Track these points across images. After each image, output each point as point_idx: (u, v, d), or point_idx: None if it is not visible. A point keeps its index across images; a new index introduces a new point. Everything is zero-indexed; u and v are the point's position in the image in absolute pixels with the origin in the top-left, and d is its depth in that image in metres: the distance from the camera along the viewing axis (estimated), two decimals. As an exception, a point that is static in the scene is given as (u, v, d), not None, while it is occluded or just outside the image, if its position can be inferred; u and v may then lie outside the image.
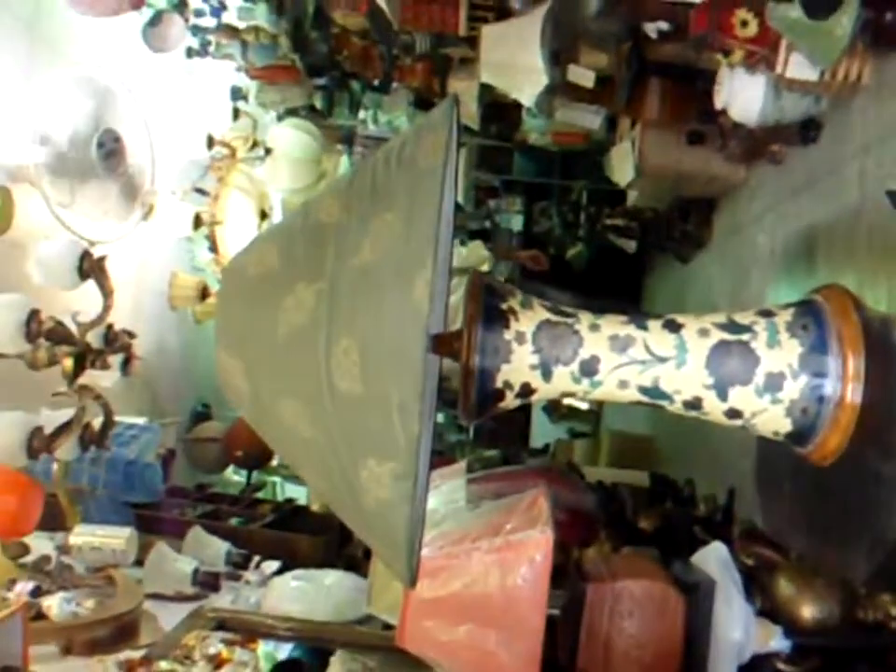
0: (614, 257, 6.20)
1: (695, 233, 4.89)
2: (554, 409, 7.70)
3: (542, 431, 8.03)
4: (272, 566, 2.95)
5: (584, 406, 7.62)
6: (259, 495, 5.09)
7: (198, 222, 4.55)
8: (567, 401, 7.42)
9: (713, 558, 1.92)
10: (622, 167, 4.52)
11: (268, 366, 0.92)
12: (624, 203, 5.79)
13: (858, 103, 3.08)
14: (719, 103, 3.31)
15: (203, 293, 4.65)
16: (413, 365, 0.80)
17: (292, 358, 0.89)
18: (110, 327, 3.25)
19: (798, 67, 2.88)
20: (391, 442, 0.82)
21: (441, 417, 7.63)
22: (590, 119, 4.75)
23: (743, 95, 3.21)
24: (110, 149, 3.53)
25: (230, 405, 1.02)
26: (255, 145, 5.13)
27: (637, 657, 1.76)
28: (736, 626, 1.77)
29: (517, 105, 4.87)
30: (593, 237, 5.93)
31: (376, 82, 5.21)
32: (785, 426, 1.00)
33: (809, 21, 2.61)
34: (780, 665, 1.89)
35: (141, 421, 3.61)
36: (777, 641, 1.83)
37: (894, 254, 0.94)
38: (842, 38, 2.56)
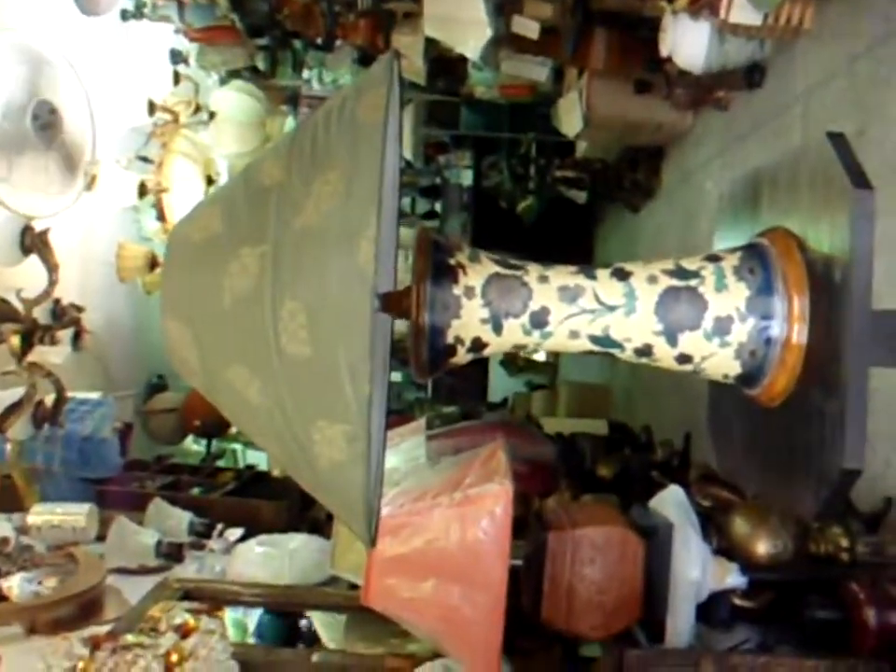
0: (565, 208, 6.21)
1: (644, 182, 4.91)
2: (512, 362, 7.75)
3: (500, 385, 8.09)
4: (235, 533, 2.95)
5: (541, 358, 7.68)
6: (220, 463, 5.08)
7: (143, 190, 4.46)
8: (523, 354, 7.47)
9: (670, 501, 1.95)
10: (569, 118, 4.50)
11: (215, 333, 0.91)
12: (573, 154, 5.79)
13: (800, 46, 3.10)
14: (664, 50, 3.31)
15: (152, 263, 4.57)
16: (360, 325, 0.80)
17: (239, 324, 0.87)
18: (57, 301, 3.18)
19: (741, 12, 2.89)
20: (342, 404, 0.82)
21: (398, 376, 7.65)
22: (536, 70, 4.72)
23: (687, 42, 3.21)
24: (46, 121, 3.42)
25: (180, 375, 1.01)
26: (198, 109, 5.02)
27: (599, 602, 1.79)
28: (694, 566, 1.81)
29: (463, 59, 4.82)
30: (543, 189, 5.92)
31: (319, 41, 5.11)
32: (734, 368, 1.02)
33: (750, -36, 2.61)
34: (736, 601, 1.94)
35: (95, 396, 3.55)
36: (733, 578, 1.87)
37: (835, 196, 0.94)
38: (783, -19, 2.57)
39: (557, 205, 6.21)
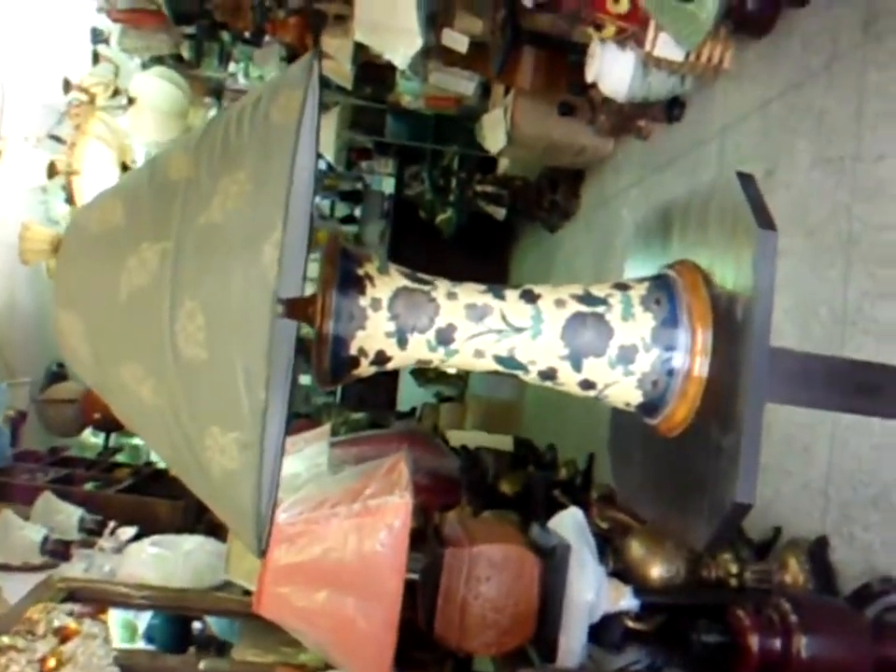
0: (484, 223, 6.25)
1: (563, 204, 4.98)
2: (422, 373, 7.75)
3: (410, 394, 8.08)
4: (128, 532, 2.86)
5: (452, 371, 7.70)
6: (119, 458, 4.93)
7: (52, 171, 4.31)
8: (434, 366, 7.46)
9: (569, 522, 1.98)
10: (493, 134, 4.54)
11: (109, 328, 0.87)
12: (495, 170, 5.84)
13: (719, 85, 3.19)
14: (590, 76, 3.37)
15: (59, 247, 4.42)
16: (259, 330, 0.77)
17: (135, 321, 0.84)
18: (-50, 281, 3.04)
19: (665, 46, 2.96)
20: (236, 410, 0.79)
21: (307, 380, 7.57)
22: (463, 84, 4.75)
23: (613, 70, 3.27)
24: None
25: (70, 367, 0.96)
26: (116, 92, 4.88)
27: (493, 620, 1.79)
28: (589, 588, 1.83)
29: (392, 67, 4.81)
30: (463, 203, 5.95)
31: (247, 34, 5.03)
32: (636, 397, 1.02)
33: (675, 2, 2.68)
34: (629, 623, 1.98)
35: (-14, 381, 3.41)
36: (626, 601, 1.90)
37: (741, 234, 0.97)
38: (706, 22, 2.64)
39: (476, 220, 6.24)
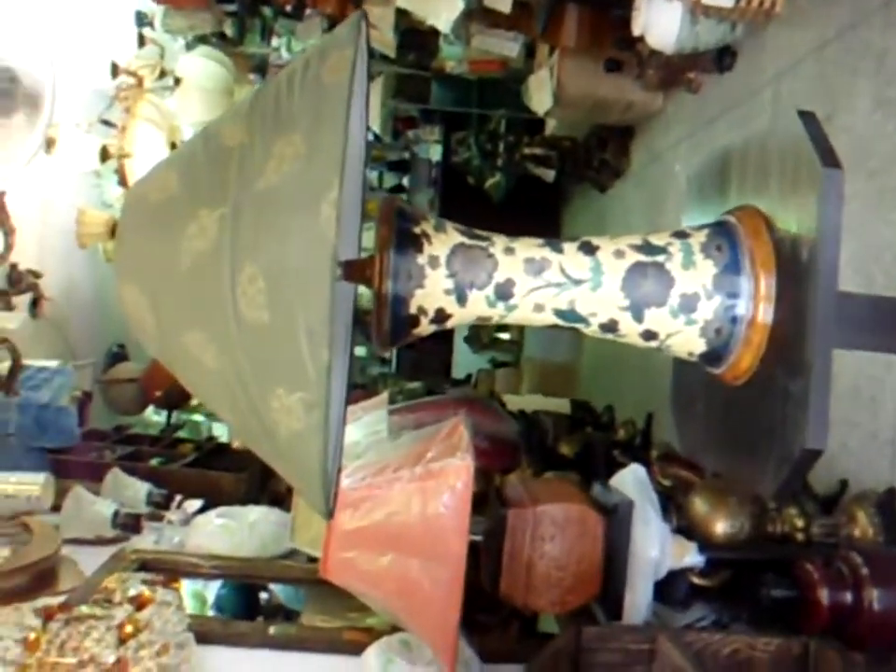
0: (533, 186, 6.18)
1: (613, 162, 4.91)
2: (476, 339, 7.75)
3: (464, 362, 8.09)
4: (194, 504, 2.91)
5: (506, 336, 7.69)
6: (181, 434, 5.02)
7: (105, 155, 4.36)
8: (488, 331, 7.47)
9: (631, 480, 1.96)
10: (540, 95, 4.48)
11: (172, 297, 0.88)
12: (543, 131, 5.77)
13: (771, 31, 3.10)
14: (636, 29, 3.30)
15: (113, 230, 4.48)
16: (320, 290, 0.78)
17: (196, 288, 0.85)
18: (14, 267, 3.11)
19: (714, -7, 2.88)
20: (300, 371, 0.80)
21: (362, 351, 7.61)
22: (507, 46, 4.69)
23: (660, 21, 3.20)
24: (4, 89, 3.32)
25: (137, 341, 0.98)
26: (163, 74, 4.92)
27: (558, 579, 1.79)
28: (653, 544, 1.82)
29: (434, 33, 4.76)
30: (511, 167, 5.89)
31: (289, 8, 5.02)
32: (699, 346, 1.01)
33: (724, -56, 2.60)
34: (694, 579, 1.96)
35: (53, 364, 3.48)
36: (691, 557, 1.89)
37: (804, 175, 0.94)
38: (756, -37, 2.57)
39: (525, 183, 6.18)
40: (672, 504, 2.24)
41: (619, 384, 4.76)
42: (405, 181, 8.49)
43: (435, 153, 7.64)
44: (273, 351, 0.81)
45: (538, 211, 6.63)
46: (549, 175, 5.83)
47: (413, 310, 0.95)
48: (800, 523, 2.14)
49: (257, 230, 0.81)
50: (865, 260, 2.24)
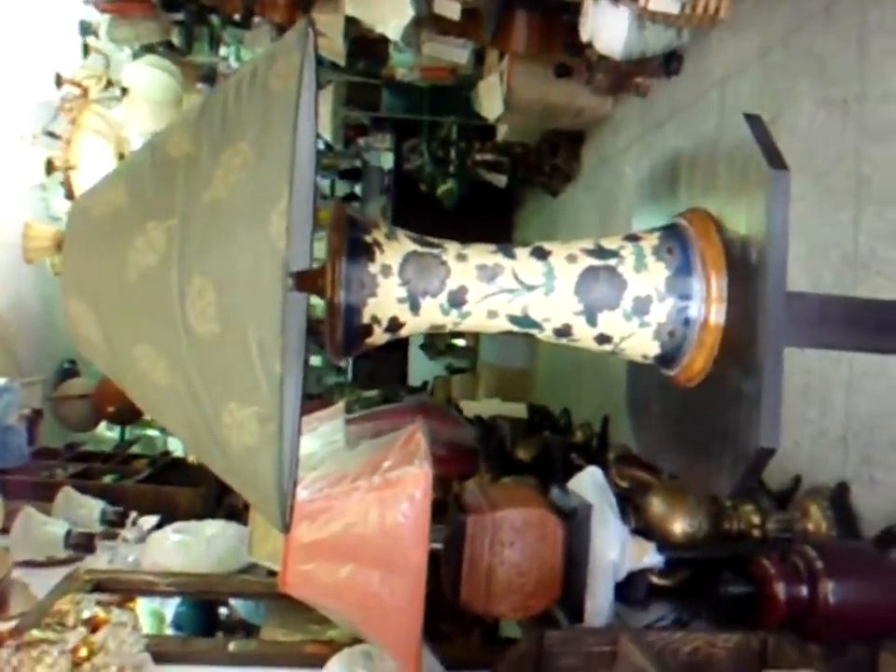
0: (485, 192, 6.21)
1: (564, 166, 4.94)
2: (432, 346, 7.75)
3: (420, 369, 8.08)
4: (150, 521, 2.87)
5: (461, 342, 7.70)
6: (135, 449, 4.94)
7: (50, 168, 4.29)
8: (444, 338, 7.47)
9: (589, 482, 1.97)
10: (490, 101, 4.50)
11: (120, 311, 0.86)
12: (494, 137, 5.79)
13: (716, 35, 3.15)
14: (584, 35, 3.32)
15: (61, 243, 4.40)
16: (271, 302, 0.76)
17: (145, 301, 0.83)
18: (-43, 282, 3.04)
19: (660, 0, 2.92)
20: (252, 384, 0.78)
21: (318, 360, 7.56)
22: (457, 53, 4.70)
23: (608, 27, 3.23)
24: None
25: (85, 356, 0.96)
26: (109, 84, 4.84)
27: (519, 584, 1.79)
28: (613, 546, 1.83)
29: (384, 40, 4.76)
30: (463, 173, 5.91)
31: (237, 17, 4.97)
32: (653, 349, 1.01)
33: (668, -50, 2.64)
34: (654, 579, 1.98)
35: (0, 382, 3.41)
36: (650, 557, 1.90)
37: (752, 176, 0.95)
38: (700, -31, 2.61)
39: (478, 189, 6.21)
40: (630, 505, 2.26)
41: (575, 387, 4.79)
42: (357, 189, 8.47)
43: (387, 161, 7.64)
44: (224, 364, 0.80)
45: (490, 216, 6.66)
46: (501, 180, 5.86)
47: (366, 319, 0.94)
48: (756, 519, 2.17)
49: (205, 241, 0.79)
50: (813, 260, 2.28)
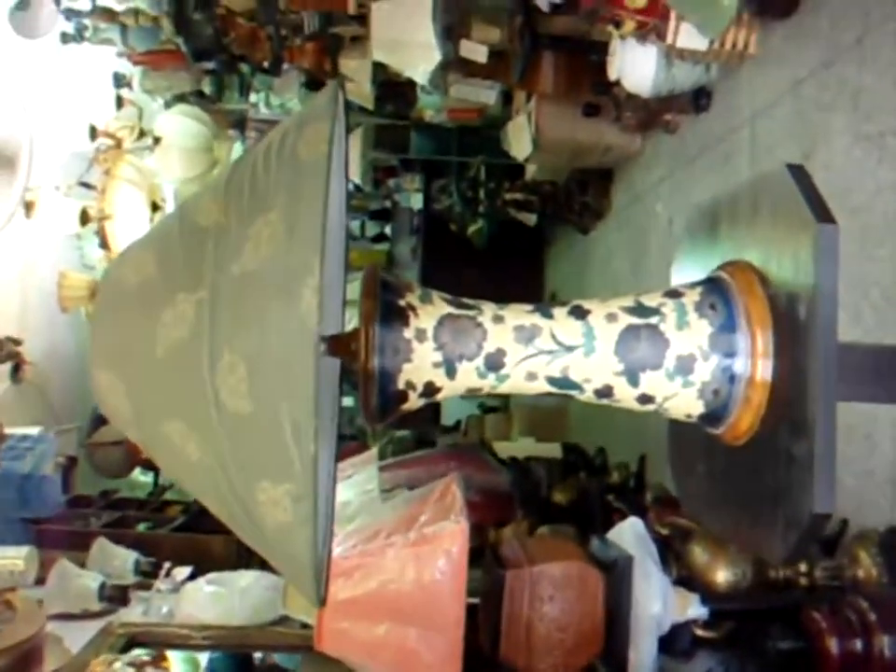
0: (515, 231, 6.21)
1: (594, 204, 4.93)
2: (465, 386, 7.68)
3: (453, 408, 8.02)
4: (183, 572, 2.85)
5: (495, 381, 7.62)
6: (169, 495, 4.94)
7: (85, 218, 4.35)
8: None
9: (629, 533, 1.93)
10: (519, 141, 4.51)
11: (149, 385, 0.84)
12: (523, 177, 5.80)
13: (746, 71, 3.13)
14: (612, 74, 3.32)
15: (95, 292, 4.45)
16: (303, 380, 0.74)
17: (175, 376, 0.81)
18: (-7, 335, 3.07)
19: (688, 37, 2.91)
20: (286, 463, 0.76)
21: (350, 401, 7.54)
22: (485, 94, 4.73)
23: (635, 66, 3.23)
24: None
25: (115, 426, 0.94)
26: (142, 134, 4.93)
27: (559, 640, 1.74)
28: (655, 599, 1.78)
29: (412, 84, 4.80)
30: (493, 212, 5.91)
31: (266, 64, 5.05)
32: (698, 408, 0.98)
33: (696, -10, 2.63)
34: (698, 632, 1.92)
35: (35, 431, 3.43)
36: (694, 609, 1.85)
37: (797, 229, 0.92)
38: (729, 8, 2.60)
39: (508, 228, 6.21)
40: (670, 553, 2.20)
41: (609, 425, 4.73)
42: (387, 230, 8.51)
43: (416, 201, 7.67)
44: (257, 442, 0.78)
45: (521, 255, 6.66)
46: (531, 219, 5.85)
47: (401, 385, 0.91)
48: (803, 567, 2.10)
49: (235, 316, 0.77)
50: (852, 298, 2.23)
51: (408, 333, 0.90)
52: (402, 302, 0.91)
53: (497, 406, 7.68)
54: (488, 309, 0.95)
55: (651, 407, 0.99)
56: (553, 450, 4.83)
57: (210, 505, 0.89)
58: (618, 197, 4.87)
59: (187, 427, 0.81)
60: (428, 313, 0.92)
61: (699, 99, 3.46)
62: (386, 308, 0.90)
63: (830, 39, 2.53)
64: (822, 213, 0.87)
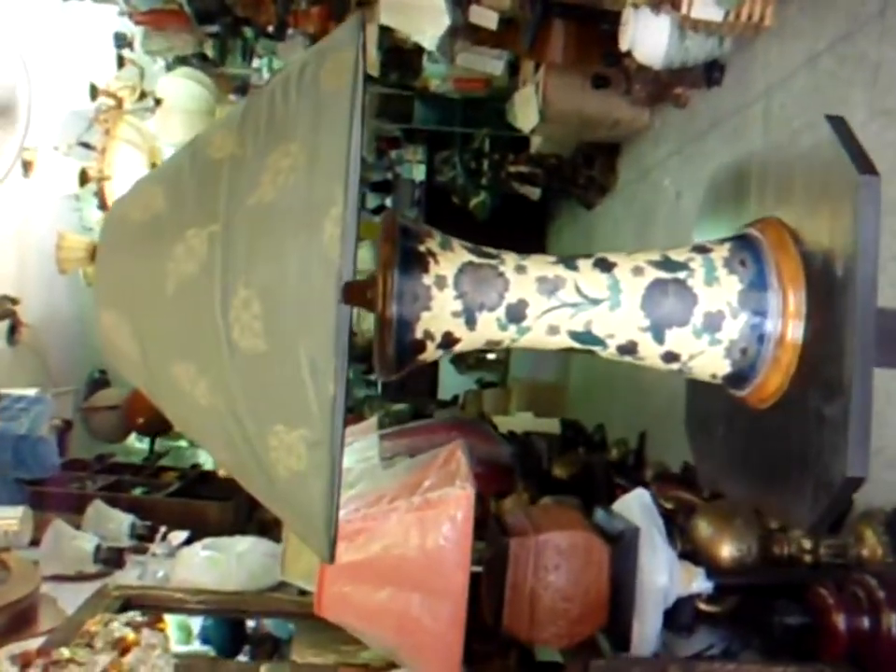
0: (518, 204, 6.15)
1: (600, 179, 4.88)
2: (462, 360, 7.67)
3: (451, 383, 8.00)
4: (179, 536, 2.82)
5: (492, 356, 7.62)
6: (165, 461, 4.92)
7: (84, 178, 4.29)
8: (474, 351, 7.38)
9: (636, 504, 1.89)
10: (525, 112, 4.44)
11: (157, 325, 0.80)
12: (528, 149, 5.73)
13: (761, 44, 3.07)
14: (624, 44, 3.26)
15: (94, 254, 4.40)
16: (324, 317, 0.70)
17: (185, 315, 0.77)
18: (-10, 292, 3.02)
19: (703, 8, 2.85)
20: (302, 406, 0.72)
21: (349, 373, 7.50)
22: (491, 64, 4.66)
23: (648, 37, 3.16)
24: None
25: (116, 370, 0.90)
26: (143, 95, 4.86)
27: (563, 610, 1.71)
28: (661, 572, 1.75)
29: (418, 51, 4.73)
30: (496, 185, 5.85)
31: (270, 28, 4.97)
32: (724, 367, 0.94)
33: (715, -44, 2.57)
34: (702, 606, 1.90)
35: (31, 392, 3.39)
36: (699, 583, 1.82)
37: (836, 183, 0.88)
38: (747, -25, 2.54)
39: (511, 202, 6.15)
40: (675, 528, 2.18)
41: (608, 402, 4.70)
42: (388, 202, 8.44)
43: (419, 173, 7.60)
44: (272, 383, 0.74)
45: (523, 229, 6.59)
46: (534, 192, 5.79)
47: (418, 334, 0.87)
48: (807, 544, 2.07)
49: (251, 250, 0.73)
50: (868, 274, 2.19)
51: (427, 280, 0.87)
52: (422, 248, 0.87)
53: (495, 381, 7.66)
54: (510, 259, 0.91)
55: (675, 366, 0.95)
56: (551, 425, 4.80)
57: (218, 454, 0.85)
58: (624, 172, 4.81)
59: (196, 369, 0.77)
60: (449, 259, 0.88)
61: (711, 72, 3.40)
62: (406, 254, 0.86)
63: (849, 11, 2.48)
64: (864, 164, 0.83)
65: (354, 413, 5.83)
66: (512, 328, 0.91)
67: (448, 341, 0.90)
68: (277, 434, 0.74)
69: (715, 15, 2.89)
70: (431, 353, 0.90)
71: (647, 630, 1.75)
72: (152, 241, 0.80)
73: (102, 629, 1.64)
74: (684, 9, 2.89)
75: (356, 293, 0.86)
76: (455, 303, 0.88)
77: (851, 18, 2.45)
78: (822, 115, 2.49)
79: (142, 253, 0.81)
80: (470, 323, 0.89)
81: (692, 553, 2.01)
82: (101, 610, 1.90)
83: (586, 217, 5.51)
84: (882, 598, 1.60)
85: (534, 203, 6.08)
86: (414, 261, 0.87)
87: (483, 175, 5.87)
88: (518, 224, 6.52)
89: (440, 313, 0.87)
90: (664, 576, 1.75)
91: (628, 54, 3.34)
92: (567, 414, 5.48)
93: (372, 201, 8.78)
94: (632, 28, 3.19)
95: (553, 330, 0.92)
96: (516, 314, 0.90)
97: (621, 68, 3.72)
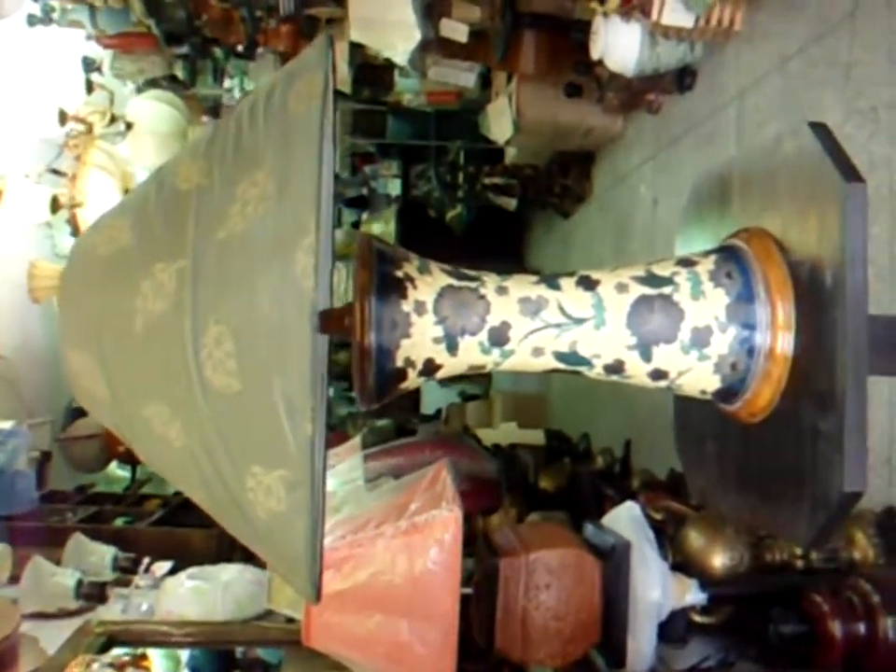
0: (495, 216, 6.14)
1: (576, 188, 4.87)
2: (446, 373, 7.63)
3: (433, 396, 7.95)
4: (163, 566, 2.77)
5: (475, 369, 7.58)
6: (147, 489, 4.85)
7: (56, 205, 4.23)
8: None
9: (626, 517, 1.88)
10: (499, 124, 4.43)
11: (127, 365, 0.77)
12: (503, 161, 5.73)
13: (732, 48, 3.08)
14: (595, 53, 3.26)
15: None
16: (298, 351, 0.67)
17: (155, 354, 0.74)
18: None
19: (673, 13, 2.85)
20: (279, 446, 0.69)
21: (330, 390, 7.45)
22: (464, 76, 4.65)
23: (619, 44, 3.16)
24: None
25: (89, 413, 0.87)
26: (113, 119, 4.80)
27: (556, 629, 1.69)
28: (655, 586, 1.73)
29: (389, 67, 4.71)
30: (472, 197, 5.84)
31: (240, 48, 4.94)
32: (713, 383, 0.92)
33: (683, -38, 2.57)
34: (696, 618, 1.87)
35: (7, 426, 3.32)
36: (693, 595, 1.80)
37: (822, 191, 0.86)
38: (717, -20, 2.54)
39: (487, 213, 6.14)
40: (665, 538, 2.15)
41: (591, 410, 4.69)
42: (364, 217, 8.40)
43: (394, 188, 7.57)
44: (247, 423, 0.70)
45: (501, 241, 6.58)
46: (510, 203, 5.79)
47: (399, 362, 0.84)
48: (798, 549, 2.06)
49: (221, 285, 0.70)
50: (847, 276, 2.19)
51: (406, 306, 0.84)
52: (400, 273, 0.84)
53: (478, 394, 7.62)
54: (491, 280, 0.89)
55: (663, 383, 0.93)
56: (535, 436, 4.78)
57: (195, 495, 0.81)
58: (599, 180, 4.81)
59: (169, 410, 0.73)
60: (428, 284, 0.86)
61: (683, 78, 3.41)
62: (383, 279, 0.83)
63: (819, 13, 2.48)
64: (849, 171, 0.81)
65: (336, 431, 5.78)
66: (496, 351, 0.88)
67: (430, 367, 0.87)
68: (255, 475, 0.71)
69: (685, 21, 2.90)
70: (413, 380, 0.87)
71: (642, 646, 1.73)
72: (119, 277, 0.77)
73: (84, 671, 1.59)
74: (654, 16, 2.90)
75: (333, 321, 0.83)
76: (435, 329, 0.85)
77: (821, 20, 2.46)
78: (796, 118, 2.50)
79: (109, 290, 0.77)
80: (452, 349, 0.86)
81: (683, 564, 1.99)
82: (83, 649, 1.86)
83: (563, 226, 5.50)
84: (877, 603, 1.59)
85: (510, 213, 6.07)
86: (392, 287, 0.84)
87: (458, 187, 5.86)
88: (495, 235, 6.51)
89: (420, 339, 0.85)
90: (657, 590, 1.73)
91: (600, 62, 3.34)
92: (552, 424, 5.46)
93: (349, 216, 8.75)
94: (603, 36, 3.19)
95: (538, 352, 0.89)
96: (499, 337, 0.87)
97: (593, 77, 3.71)
